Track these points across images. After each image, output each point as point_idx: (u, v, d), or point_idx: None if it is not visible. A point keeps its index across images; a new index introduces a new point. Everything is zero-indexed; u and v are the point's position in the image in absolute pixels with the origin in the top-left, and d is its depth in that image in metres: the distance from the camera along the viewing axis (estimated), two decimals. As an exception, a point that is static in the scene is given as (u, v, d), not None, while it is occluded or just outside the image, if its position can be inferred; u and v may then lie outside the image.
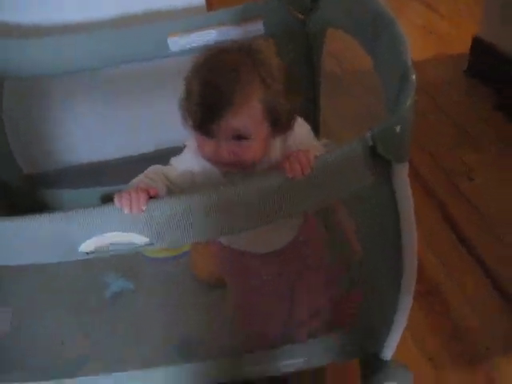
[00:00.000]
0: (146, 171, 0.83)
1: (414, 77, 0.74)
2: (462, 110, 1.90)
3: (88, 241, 0.67)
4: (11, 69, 1.30)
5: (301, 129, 0.89)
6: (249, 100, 0.78)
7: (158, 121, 1.47)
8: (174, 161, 0.90)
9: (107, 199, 0.67)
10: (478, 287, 1.29)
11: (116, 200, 0.67)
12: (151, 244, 0.69)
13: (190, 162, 0.88)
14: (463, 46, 2.10)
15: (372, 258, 0.93)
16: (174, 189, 0.84)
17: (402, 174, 0.76)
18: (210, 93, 0.77)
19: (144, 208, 0.66)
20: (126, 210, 0.65)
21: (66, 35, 1.31)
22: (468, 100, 1.96)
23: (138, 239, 0.68)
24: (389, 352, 0.98)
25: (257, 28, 1.31)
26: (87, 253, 0.69)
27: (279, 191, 0.69)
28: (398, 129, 0.70)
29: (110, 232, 0.67)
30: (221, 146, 0.79)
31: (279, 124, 0.83)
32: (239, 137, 0.79)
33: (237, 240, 0.97)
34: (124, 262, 1.40)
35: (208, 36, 1.29)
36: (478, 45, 1.98)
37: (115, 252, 0.70)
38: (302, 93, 0.87)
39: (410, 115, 0.72)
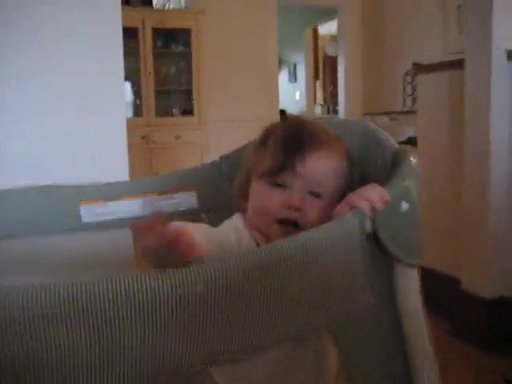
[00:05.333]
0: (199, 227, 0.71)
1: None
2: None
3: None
4: None
5: None
6: (332, 146, 0.71)
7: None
8: (227, 225, 0.75)
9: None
10: None
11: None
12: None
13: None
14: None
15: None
16: None
17: (411, 279, 0.52)
18: (295, 133, 0.71)
19: None
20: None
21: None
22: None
23: None
24: None
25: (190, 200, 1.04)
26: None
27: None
28: (403, 206, 0.48)
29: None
30: (293, 195, 0.70)
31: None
32: (311, 192, 0.71)
33: None
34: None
35: (132, 206, 0.95)
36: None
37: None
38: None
39: (415, 192, 0.51)
